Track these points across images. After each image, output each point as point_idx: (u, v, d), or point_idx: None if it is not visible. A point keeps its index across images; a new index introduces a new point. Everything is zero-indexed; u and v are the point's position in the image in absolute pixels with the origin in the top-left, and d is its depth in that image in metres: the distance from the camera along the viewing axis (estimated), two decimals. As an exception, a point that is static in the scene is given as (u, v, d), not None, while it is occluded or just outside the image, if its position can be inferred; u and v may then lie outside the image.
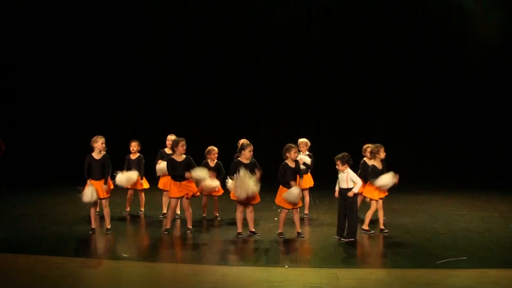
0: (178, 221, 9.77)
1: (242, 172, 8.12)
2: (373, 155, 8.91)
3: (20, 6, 15.64)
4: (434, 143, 16.43)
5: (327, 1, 16.08)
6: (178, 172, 8.62)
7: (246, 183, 8.10)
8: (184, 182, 8.66)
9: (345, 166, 8.26)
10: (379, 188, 8.65)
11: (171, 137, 10.05)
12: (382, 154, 8.84)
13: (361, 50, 16.45)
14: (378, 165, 8.83)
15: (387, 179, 8.56)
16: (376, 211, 8.91)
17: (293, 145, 8.40)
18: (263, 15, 16.10)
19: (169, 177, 8.92)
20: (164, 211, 10.09)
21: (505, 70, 15.97)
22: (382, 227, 8.94)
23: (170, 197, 8.90)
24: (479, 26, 14.87)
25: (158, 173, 10.05)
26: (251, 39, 16.44)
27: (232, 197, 8.51)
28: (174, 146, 8.72)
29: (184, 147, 8.70)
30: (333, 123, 16.58)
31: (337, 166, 8.32)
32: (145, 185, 10.34)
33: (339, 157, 8.29)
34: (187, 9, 16.27)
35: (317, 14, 16.22)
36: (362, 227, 8.83)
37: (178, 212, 9.97)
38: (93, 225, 8.76)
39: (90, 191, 8.45)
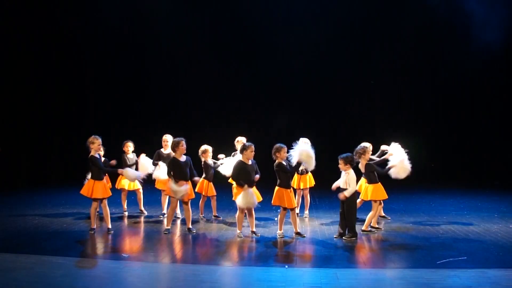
0: (178, 221, 9.78)
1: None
2: (360, 155, 8.89)
3: (19, 5, 15.63)
4: (434, 143, 16.41)
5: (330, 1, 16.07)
6: (182, 172, 8.60)
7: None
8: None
9: (347, 166, 8.28)
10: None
11: (166, 137, 10.06)
12: (368, 155, 8.92)
13: (361, 50, 16.44)
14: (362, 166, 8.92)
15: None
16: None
17: (282, 145, 8.40)
18: (263, 14, 16.07)
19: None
20: (164, 211, 10.09)
21: (506, 70, 15.96)
22: (376, 225, 9.00)
23: (170, 196, 8.91)
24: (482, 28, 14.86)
25: (155, 178, 10.04)
26: (250, 39, 16.42)
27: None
28: (175, 146, 8.72)
29: (184, 146, 8.72)
30: (333, 123, 16.58)
31: (339, 165, 8.34)
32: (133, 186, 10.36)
33: (342, 156, 8.33)
34: (187, 9, 16.25)
35: (317, 14, 16.20)
36: (362, 228, 8.83)
37: (178, 212, 9.97)
38: (93, 225, 8.77)
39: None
